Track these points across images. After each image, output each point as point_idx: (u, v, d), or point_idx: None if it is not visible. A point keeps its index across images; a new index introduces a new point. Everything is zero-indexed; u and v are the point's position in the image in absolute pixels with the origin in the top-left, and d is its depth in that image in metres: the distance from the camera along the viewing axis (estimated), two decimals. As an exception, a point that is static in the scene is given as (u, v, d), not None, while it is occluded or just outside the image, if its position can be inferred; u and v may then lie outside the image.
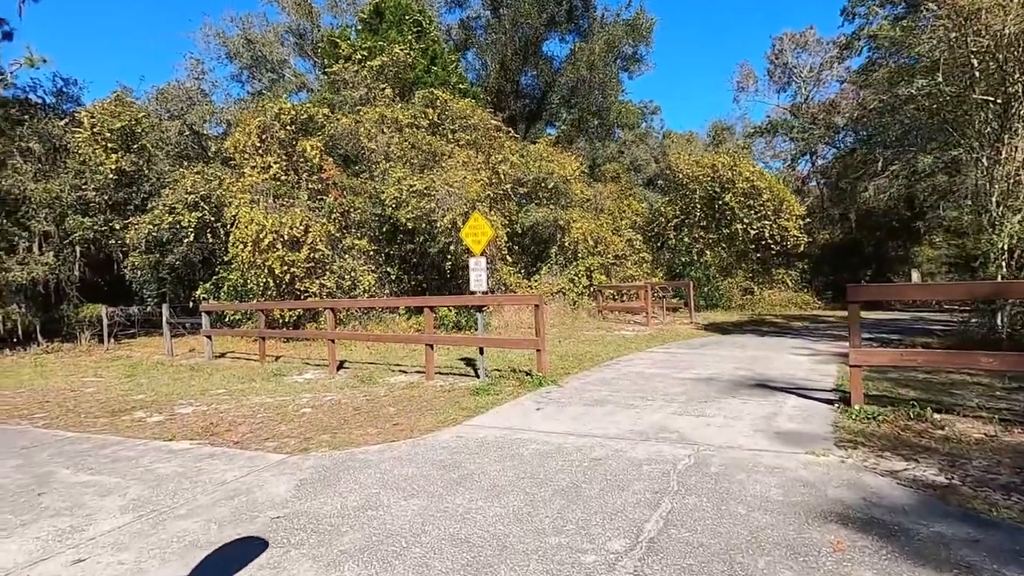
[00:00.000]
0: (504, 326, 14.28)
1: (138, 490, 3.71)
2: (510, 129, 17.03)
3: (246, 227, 13.31)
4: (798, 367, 7.45)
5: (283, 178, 14.14)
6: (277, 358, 10.90)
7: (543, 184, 16.13)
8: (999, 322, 8.38)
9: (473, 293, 7.51)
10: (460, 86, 19.58)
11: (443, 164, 14.07)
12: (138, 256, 17.39)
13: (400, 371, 8.58)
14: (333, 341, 9.14)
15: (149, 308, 17.73)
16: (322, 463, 4.12)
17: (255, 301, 14.51)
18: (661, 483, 3.38)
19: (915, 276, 34.44)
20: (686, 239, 17.05)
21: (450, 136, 15.34)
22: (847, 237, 21.61)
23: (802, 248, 16.06)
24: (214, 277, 16.06)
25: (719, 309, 17.19)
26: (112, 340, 16.65)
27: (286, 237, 13.18)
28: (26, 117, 17.66)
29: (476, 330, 7.44)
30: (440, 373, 8.20)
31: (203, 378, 9.01)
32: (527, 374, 7.24)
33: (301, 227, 13.39)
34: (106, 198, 17.01)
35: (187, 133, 19.37)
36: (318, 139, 14.87)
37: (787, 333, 12.24)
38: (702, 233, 16.89)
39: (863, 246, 21.51)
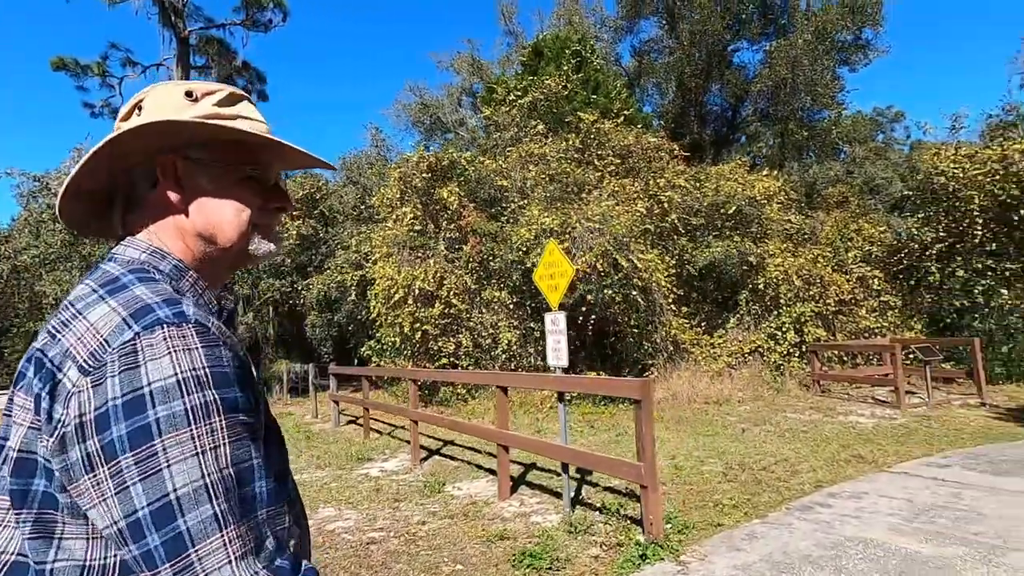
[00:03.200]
0: (671, 398, 10.71)
1: None
2: (675, 147, 13.72)
3: (380, 282, 12.50)
4: None
5: (418, 228, 13.12)
6: (393, 430, 9.58)
7: (721, 210, 12.32)
8: None
9: (552, 370, 4.68)
10: (625, 112, 17.03)
11: (587, 198, 11.54)
12: (315, 315, 18.29)
13: (487, 472, 6.06)
14: (416, 423, 7.07)
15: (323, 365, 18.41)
16: None
17: (384, 365, 13.60)
18: None
19: None
20: (960, 272, 11.22)
21: (597, 163, 12.76)
22: None
23: None
24: (377, 335, 15.84)
25: (1035, 380, 10.83)
26: (289, 395, 17.50)
27: (417, 291, 11.91)
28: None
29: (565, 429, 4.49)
30: (530, 486, 5.49)
31: (298, 452, 8.19)
32: (636, 523, 4.03)
33: (434, 280, 12.03)
34: (290, 261, 18.32)
35: (362, 195, 20.40)
36: (456, 184, 13.69)
37: None
38: (991, 263, 10.94)
39: None
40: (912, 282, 12.36)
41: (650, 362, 11.85)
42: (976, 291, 11.01)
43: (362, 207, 19.46)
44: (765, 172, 14.42)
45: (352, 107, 65.41)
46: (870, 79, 54.72)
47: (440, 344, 12.22)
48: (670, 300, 11.64)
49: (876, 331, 12.32)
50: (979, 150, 11.64)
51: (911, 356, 10.47)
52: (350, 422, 11.20)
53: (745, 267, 12.35)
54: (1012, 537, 3.61)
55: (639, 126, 16.01)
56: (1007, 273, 11.00)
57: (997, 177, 10.71)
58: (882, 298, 12.61)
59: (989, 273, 11.02)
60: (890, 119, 29.92)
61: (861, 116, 25.83)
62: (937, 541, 3.57)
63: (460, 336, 12.35)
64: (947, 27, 52.14)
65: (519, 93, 16.99)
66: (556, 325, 4.56)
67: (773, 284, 11.97)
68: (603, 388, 4.16)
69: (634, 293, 10.41)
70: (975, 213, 11.00)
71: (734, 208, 12.04)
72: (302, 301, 18.42)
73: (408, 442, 7.53)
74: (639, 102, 23.93)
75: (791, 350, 11.78)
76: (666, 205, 12.16)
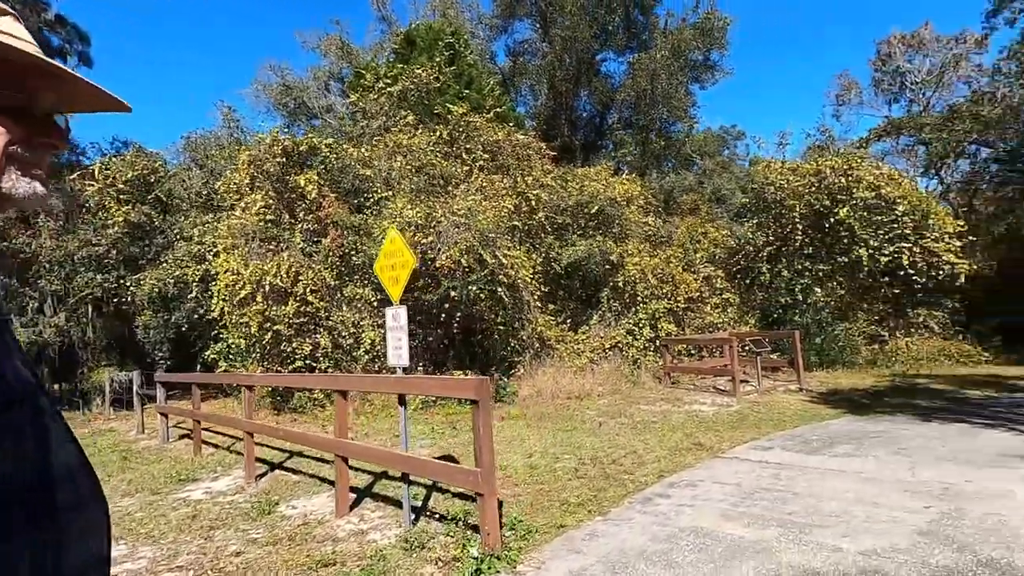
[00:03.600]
0: (536, 395, 10.77)
1: None
2: (543, 145, 13.96)
3: (224, 277, 11.14)
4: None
5: (271, 218, 11.90)
6: (233, 443, 8.45)
7: (585, 209, 12.73)
8: None
9: (392, 370, 4.27)
10: (497, 109, 17.02)
11: (454, 191, 11.24)
12: (148, 315, 15.96)
13: (331, 486, 5.43)
14: (251, 435, 6.21)
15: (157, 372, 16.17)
16: None
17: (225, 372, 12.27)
18: None
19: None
20: (785, 272, 12.69)
21: (466, 157, 12.54)
22: (1018, 264, 15.97)
23: (962, 279, 11.28)
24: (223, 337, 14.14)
25: (839, 367, 12.56)
26: (112, 408, 15.09)
27: (268, 287, 10.74)
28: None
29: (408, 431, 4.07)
30: (376, 497, 5.01)
31: (107, 477, 6.88)
32: (479, 532, 3.76)
33: (288, 275, 10.94)
34: (115, 252, 15.79)
35: (210, 181, 18.25)
36: (316, 172, 12.66)
37: (971, 415, 7.69)
38: (808, 264, 12.51)
39: (1044, 275, 15.76)
40: (748, 281, 13.75)
41: (517, 359, 11.87)
42: (796, 289, 12.50)
43: (208, 194, 17.39)
44: (626, 176, 15.20)
45: (204, 86, 58.88)
46: (718, 98, 61.04)
47: (295, 345, 11.20)
48: (536, 297, 11.74)
49: (719, 326, 13.52)
50: (799, 164, 13.24)
51: (746, 348, 11.58)
52: (183, 436, 9.84)
53: (608, 266, 12.86)
54: (818, 513, 3.89)
55: (511, 124, 16.08)
56: (820, 273, 12.64)
57: (813, 189, 12.24)
58: (724, 295, 13.87)
59: (807, 273, 12.58)
60: (734, 137, 33.51)
61: (711, 133, 28.58)
62: (758, 524, 3.73)
63: (319, 336, 11.43)
64: (783, 51, 60.04)
65: (389, 81, 16.25)
66: (397, 321, 4.14)
67: (632, 282, 12.60)
68: (440, 389, 3.83)
69: (500, 290, 10.31)
70: (796, 220, 12.48)
71: (597, 208, 12.46)
72: (131, 299, 15.97)
73: (242, 455, 6.66)
74: (513, 102, 24.22)
75: (647, 345, 12.48)
76: (534, 203, 12.26)
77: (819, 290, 12.34)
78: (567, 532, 3.83)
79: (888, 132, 18.45)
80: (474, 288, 9.86)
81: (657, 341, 12.26)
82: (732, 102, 55.91)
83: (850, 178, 11.80)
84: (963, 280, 11.51)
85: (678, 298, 12.96)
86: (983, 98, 16.04)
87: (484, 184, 11.76)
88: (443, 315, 10.14)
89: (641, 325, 12.51)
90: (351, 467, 4.85)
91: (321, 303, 11.34)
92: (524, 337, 11.83)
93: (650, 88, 19.00)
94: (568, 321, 13.14)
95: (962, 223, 11.97)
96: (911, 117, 19.32)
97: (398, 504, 4.73)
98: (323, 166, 13.01)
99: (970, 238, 12.28)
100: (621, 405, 9.67)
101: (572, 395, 10.74)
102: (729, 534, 3.58)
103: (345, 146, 13.60)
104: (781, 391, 10.56)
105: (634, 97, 20.00)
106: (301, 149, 12.89)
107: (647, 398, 10.30)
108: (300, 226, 12.23)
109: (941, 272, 11.36)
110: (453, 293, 9.84)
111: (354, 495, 5.12)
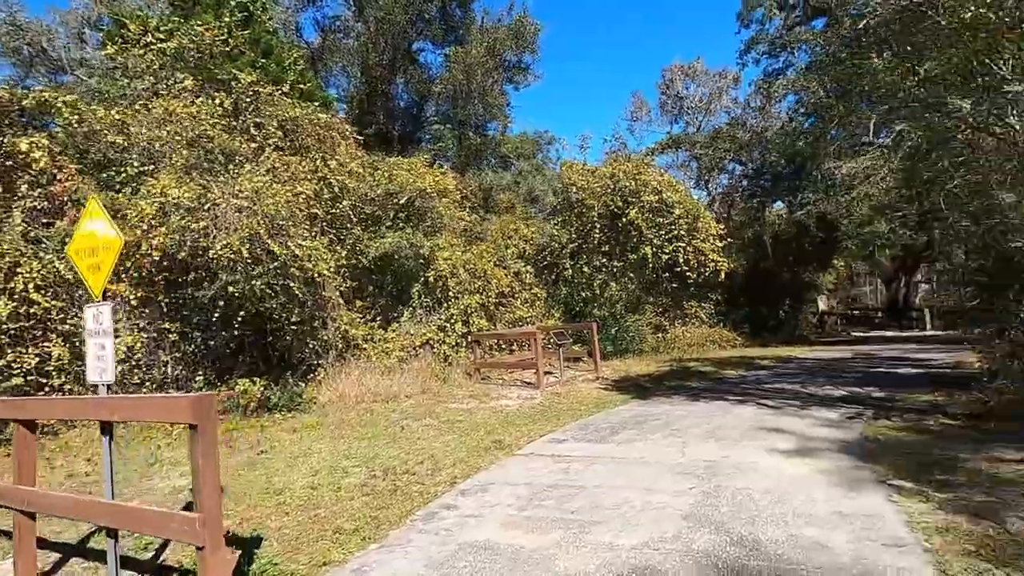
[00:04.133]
0: (338, 400, 9.83)
1: None
2: (349, 128, 12.96)
3: None
4: (808, 500, 3.72)
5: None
6: None
7: (394, 199, 12.09)
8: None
9: (94, 388, 3.22)
10: (302, 86, 15.37)
11: (238, 171, 9.70)
12: None
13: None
14: None
15: None
16: None
17: None
18: None
19: (821, 304, 34.11)
20: (585, 268, 13.59)
21: (255, 133, 10.98)
22: (761, 264, 19.60)
23: (723, 275, 13.27)
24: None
25: (630, 355, 13.87)
26: None
27: (-37, 283, 8.06)
28: None
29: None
30: (87, 555, 3.75)
31: None
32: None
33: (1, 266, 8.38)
34: None
35: None
36: (48, 135, 10.01)
37: (728, 392, 8.86)
38: (604, 260, 13.56)
39: (778, 273, 19.55)
40: (553, 276, 14.43)
41: (318, 362, 10.76)
42: (595, 284, 13.44)
43: None
44: (439, 168, 14.89)
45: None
46: (531, 99, 64.55)
47: (14, 356, 8.64)
48: (340, 294, 10.75)
49: (528, 320, 13.94)
50: (598, 168, 14.28)
51: (551, 341, 12.07)
52: None
53: (421, 260, 12.37)
54: (599, 508, 3.86)
55: (317, 104, 14.64)
56: (615, 269, 13.78)
57: (609, 190, 13.27)
58: (533, 290, 14.36)
59: (604, 269, 13.61)
60: (546, 141, 35.58)
61: (526, 137, 29.91)
62: (541, 529, 3.54)
63: (50, 344, 8.98)
64: (588, 66, 65.87)
65: (162, 36, 13.60)
66: (100, 323, 3.09)
67: (443, 277, 12.29)
68: (148, 412, 2.92)
69: (294, 285, 9.14)
70: (595, 219, 13.41)
71: (406, 198, 11.89)
72: None
73: None
74: (323, 81, 22.38)
75: (459, 340, 12.30)
76: (338, 190, 11.22)
77: (614, 285, 13.45)
78: (331, 570, 3.22)
79: (669, 146, 21.18)
80: (259, 283, 8.56)
81: (468, 337, 12.14)
82: (543, 107, 59.66)
83: (639, 182, 13.05)
84: (723, 276, 13.50)
85: (490, 293, 13.03)
86: (737, 123, 19.19)
87: (277, 165, 10.37)
88: (220, 314, 8.64)
89: (453, 321, 12.28)
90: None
91: (54, 302, 8.94)
92: (326, 337, 10.75)
93: (466, 83, 19.00)
94: (378, 319, 12.34)
95: (722, 227, 14.05)
96: (687, 135, 22.43)
97: (130, 561, 3.62)
98: (64, 130, 10.36)
99: (729, 240, 14.46)
100: (429, 405, 9.26)
101: (379, 397, 10.03)
102: (511, 544, 3.32)
103: (95, 107, 10.95)
104: (581, 381, 11.18)
105: (451, 90, 19.84)
106: (24, 104, 10.07)
107: (456, 396, 10.05)
108: (22, 203, 9.51)
109: (707, 269, 13.17)
110: (233, 288, 8.42)
111: (57, 555, 3.85)
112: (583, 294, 13.66)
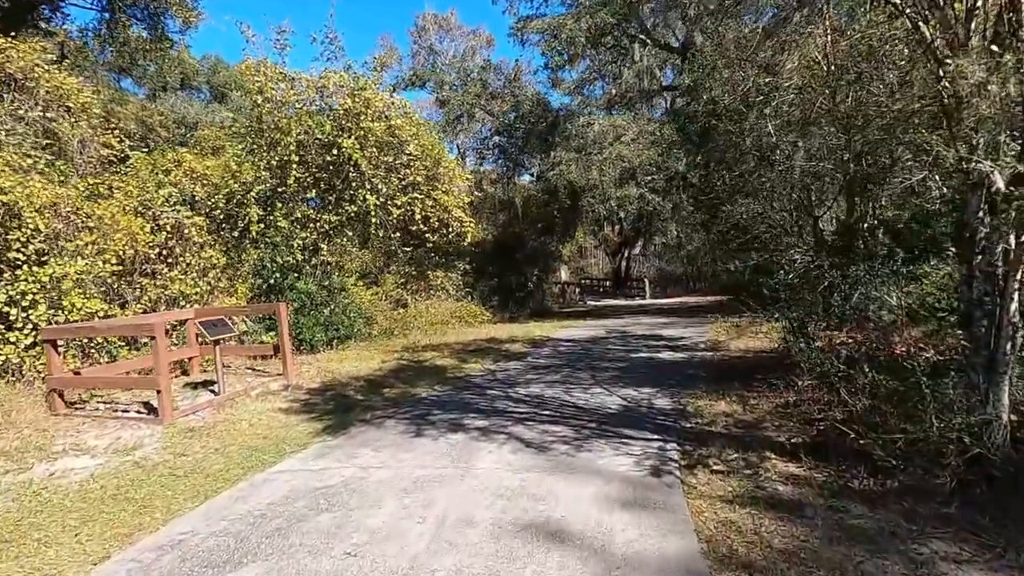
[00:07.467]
0: None
1: None
2: None
3: None
4: None
5: None
6: None
7: None
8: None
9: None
10: None
11: None
12: None
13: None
14: None
15: None
16: None
17: None
18: None
19: (564, 273, 35.40)
20: (281, 223, 9.34)
21: None
22: (510, 230, 17.90)
23: (469, 239, 10.56)
24: None
25: (351, 342, 10.27)
26: None
27: None
28: None
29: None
30: None
31: None
32: None
33: None
34: None
35: None
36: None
37: (469, 408, 5.90)
38: (312, 212, 9.53)
39: (526, 241, 18.11)
40: (236, 233, 9.75)
41: None
42: (295, 245, 9.30)
43: None
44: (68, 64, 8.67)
45: None
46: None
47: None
48: None
49: (192, 298, 9.08)
50: (300, 74, 9.95)
51: (217, 333, 7.62)
52: None
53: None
54: None
55: None
56: (329, 225, 9.83)
57: (314, 108, 9.15)
58: (205, 253, 9.48)
59: (311, 225, 9.55)
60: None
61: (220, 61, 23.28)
62: None
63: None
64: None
65: None
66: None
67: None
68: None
69: None
70: (293, 150, 9.19)
71: None
72: None
73: None
74: None
75: (35, 340, 6.96)
76: None
77: (324, 247, 9.54)
78: None
79: (412, 83, 17.85)
80: None
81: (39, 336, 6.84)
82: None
83: (358, 100, 9.25)
84: (470, 240, 10.80)
85: (110, 257, 7.84)
86: (490, 66, 16.80)
87: None
88: None
89: (22, 303, 6.86)
90: None
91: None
92: None
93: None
94: None
95: (470, 178, 11.28)
96: (433, 71, 19.38)
97: None
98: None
99: (477, 195, 11.78)
100: None
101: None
102: None
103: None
104: (257, 394, 7.10)
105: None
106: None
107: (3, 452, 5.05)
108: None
109: (451, 231, 10.28)
110: None
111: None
112: (280, 259, 9.36)
